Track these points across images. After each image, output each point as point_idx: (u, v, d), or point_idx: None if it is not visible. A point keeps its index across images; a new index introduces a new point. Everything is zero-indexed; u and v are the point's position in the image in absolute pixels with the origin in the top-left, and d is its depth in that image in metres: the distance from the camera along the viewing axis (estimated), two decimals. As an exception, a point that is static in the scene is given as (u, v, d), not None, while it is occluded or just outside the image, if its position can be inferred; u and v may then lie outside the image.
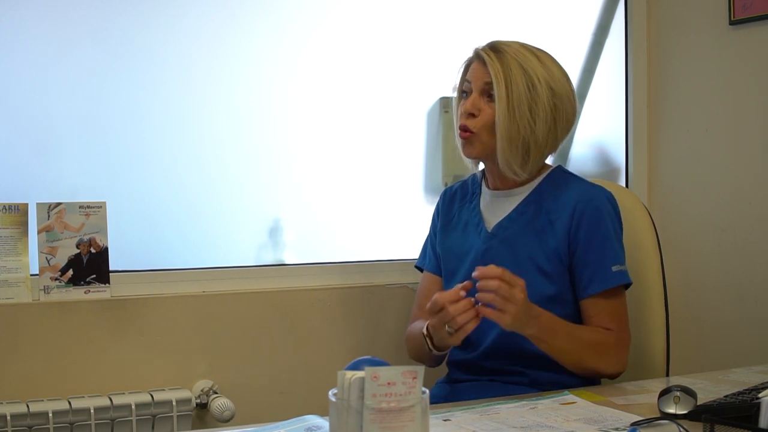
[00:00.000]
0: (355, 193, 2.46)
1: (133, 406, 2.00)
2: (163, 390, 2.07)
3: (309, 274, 2.33)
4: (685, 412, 1.46)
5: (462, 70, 1.90)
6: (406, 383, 1.10)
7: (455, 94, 1.91)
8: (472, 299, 1.61)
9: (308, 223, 2.41)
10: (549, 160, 1.92)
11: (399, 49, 2.50)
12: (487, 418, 1.49)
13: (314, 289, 2.30)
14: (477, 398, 1.68)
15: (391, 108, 2.50)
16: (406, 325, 2.02)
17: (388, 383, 1.10)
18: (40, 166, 2.15)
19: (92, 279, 2.06)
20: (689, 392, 1.49)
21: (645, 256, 2.03)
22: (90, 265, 2.06)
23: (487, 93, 1.83)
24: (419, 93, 2.54)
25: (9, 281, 1.99)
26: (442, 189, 2.09)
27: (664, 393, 1.51)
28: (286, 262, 2.36)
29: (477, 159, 1.91)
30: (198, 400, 2.11)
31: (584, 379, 1.80)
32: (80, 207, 2.06)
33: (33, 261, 2.02)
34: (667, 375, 2.00)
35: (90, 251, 2.06)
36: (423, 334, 1.73)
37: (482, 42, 1.87)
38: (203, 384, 2.14)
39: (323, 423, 1.37)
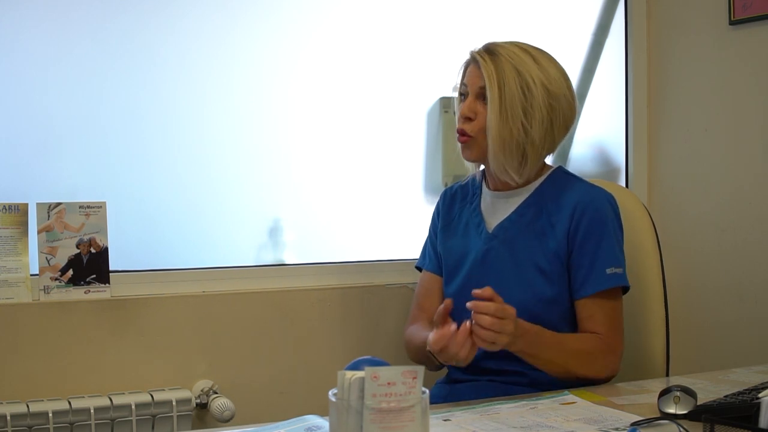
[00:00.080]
0: (355, 193, 2.46)
1: (133, 406, 2.00)
2: (163, 390, 2.07)
3: (309, 274, 2.33)
4: (685, 412, 1.46)
5: (461, 72, 1.90)
6: (406, 383, 1.10)
7: (456, 95, 1.92)
8: (467, 326, 1.60)
9: (308, 223, 2.41)
10: (549, 160, 1.92)
11: (399, 49, 2.50)
12: (487, 418, 1.49)
13: (314, 289, 2.30)
14: (477, 398, 1.67)
15: (391, 108, 2.50)
16: (406, 325, 2.02)
17: (388, 383, 1.10)
18: (40, 166, 2.15)
19: (92, 279, 2.06)
20: (689, 392, 1.49)
21: (645, 257, 2.03)
22: (90, 265, 2.06)
23: (483, 96, 1.82)
24: (419, 93, 2.54)
25: (9, 281, 1.99)
26: (442, 189, 2.09)
27: (664, 393, 1.51)
28: (286, 262, 2.36)
29: (476, 162, 1.91)
30: (198, 400, 2.11)
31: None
32: (80, 207, 2.06)
33: (33, 261, 2.02)
34: (667, 375, 2.00)
35: (90, 251, 2.06)
36: (428, 351, 1.72)
37: (480, 43, 1.87)
38: (203, 384, 2.14)
39: (323, 423, 1.37)
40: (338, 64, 2.43)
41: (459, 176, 2.13)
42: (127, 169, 2.22)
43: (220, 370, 2.17)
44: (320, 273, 2.34)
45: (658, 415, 1.47)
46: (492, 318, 1.58)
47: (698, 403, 1.47)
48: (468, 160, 1.89)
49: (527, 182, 1.88)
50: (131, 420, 2.00)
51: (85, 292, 2.05)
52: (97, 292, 2.06)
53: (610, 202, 1.85)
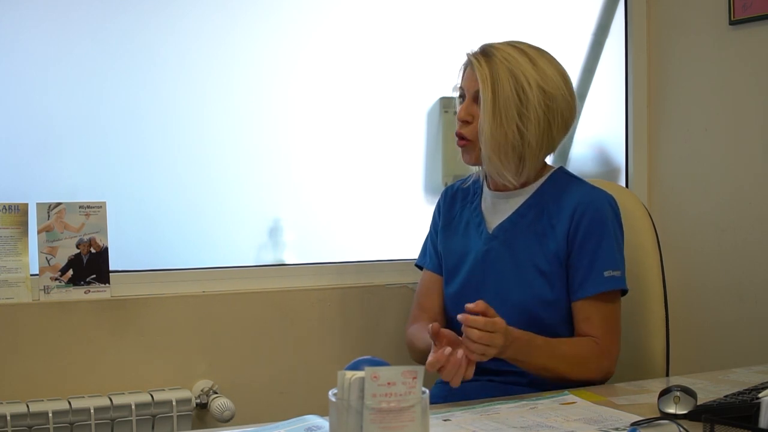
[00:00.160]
0: (354, 193, 2.46)
1: (133, 406, 2.00)
2: (163, 390, 2.07)
3: (309, 274, 2.33)
4: (685, 412, 1.46)
5: (460, 74, 1.90)
6: (406, 383, 1.10)
7: (457, 95, 1.92)
8: (459, 355, 1.60)
9: (308, 223, 2.41)
10: (549, 160, 1.92)
11: (399, 49, 2.50)
12: (487, 418, 1.49)
13: (314, 289, 2.30)
14: (476, 398, 1.67)
15: (391, 108, 2.50)
16: (406, 325, 2.02)
17: (388, 383, 1.10)
18: (40, 166, 2.15)
19: (92, 279, 2.06)
20: (689, 392, 1.49)
21: (645, 257, 2.03)
22: (90, 265, 2.06)
23: (479, 99, 1.82)
24: (419, 93, 2.53)
25: (9, 281, 1.99)
26: (442, 189, 2.08)
27: (664, 393, 1.51)
28: (286, 262, 2.36)
29: (476, 165, 1.90)
30: (198, 400, 2.11)
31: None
32: (80, 207, 2.06)
33: (33, 261, 2.02)
34: (667, 375, 2.00)
35: (90, 251, 2.06)
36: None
37: (478, 44, 1.87)
38: (203, 384, 2.14)
39: (323, 423, 1.37)
40: (338, 64, 2.43)
41: (459, 176, 2.13)
42: (127, 169, 2.22)
43: (220, 370, 2.17)
44: (320, 273, 2.34)
45: (658, 415, 1.47)
46: (481, 332, 1.59)
47: (698, 403, 1.47)
48: (468, 163, 1.89)
49: (527, 183, 1.88)
50: (131, 420, 2.00)
51: (85, 292, 2.05)
52: (97, 292, 2.06)
53: (611, 203, 1.85)
